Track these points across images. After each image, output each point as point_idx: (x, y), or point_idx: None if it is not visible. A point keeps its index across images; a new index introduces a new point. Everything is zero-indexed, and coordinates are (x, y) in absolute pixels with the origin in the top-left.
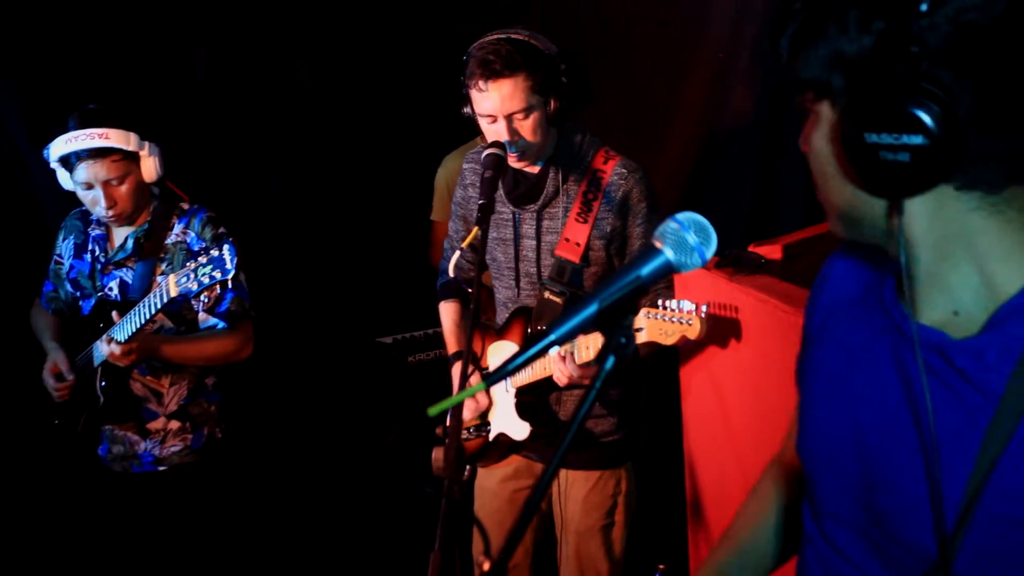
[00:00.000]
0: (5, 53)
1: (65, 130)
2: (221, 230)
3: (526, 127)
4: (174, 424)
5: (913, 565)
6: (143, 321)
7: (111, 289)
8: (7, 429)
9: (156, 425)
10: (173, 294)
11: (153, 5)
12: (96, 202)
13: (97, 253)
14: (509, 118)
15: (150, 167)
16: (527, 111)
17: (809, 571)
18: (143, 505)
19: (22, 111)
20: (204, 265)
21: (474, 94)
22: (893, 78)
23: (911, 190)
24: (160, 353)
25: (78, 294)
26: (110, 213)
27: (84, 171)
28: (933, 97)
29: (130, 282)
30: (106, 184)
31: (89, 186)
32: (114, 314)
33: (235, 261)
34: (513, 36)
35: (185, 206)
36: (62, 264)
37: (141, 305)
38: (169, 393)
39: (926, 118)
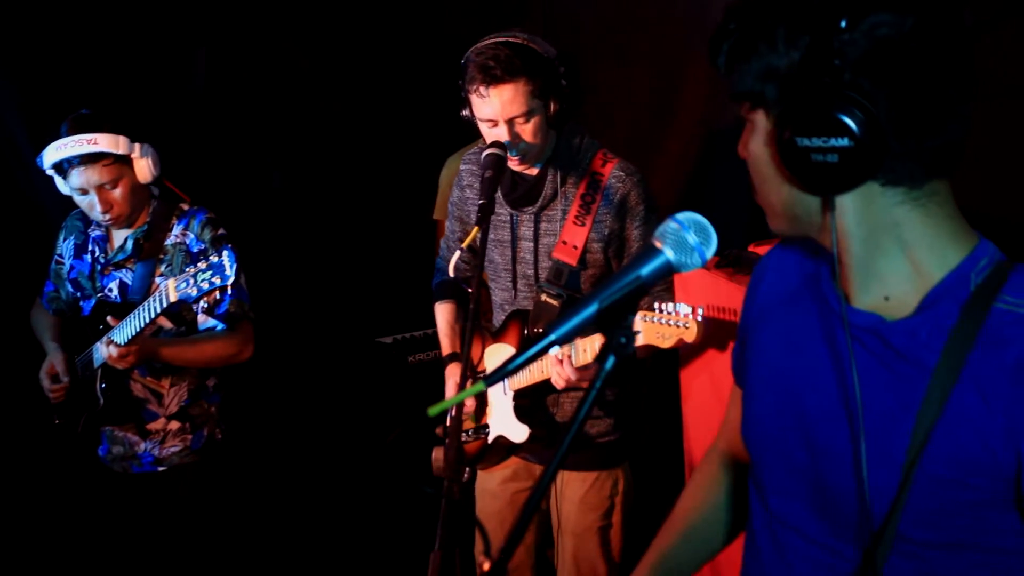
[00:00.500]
0: (5, 53)
1: (57, 136)
2: (220, 232)
3: (527, 131)
4: (174, 425)
5: (860, 529)
6: (142, 325)
7: (111, 290)
8: (7, 429)
9: (156, 426)
10: (172, 299)
11: (153, 5)
12: (92, 207)
13: (97, 254)
14: (510, 122)
15: (143, 169)
16: (528, 115)
17: (759, 548)
18: (142, 505)
19: (22, 111)
20: (204, 271)
21: (474, 99)
22: (819, 88)
23: (840, 187)
24: (160, 356)
25: (78, 295)
26: (106, 217)
27: (77, 177)
28: (855, 104)
29: (129, 283)
30: (100, 188)
31: (84, 191)
32: (109, 319)
33: (235, 267)
34: (512, 40)
35: (185, 207)
36: (63, 264)
37: (141, 309)
38: (169, 394)
39: (850, 123)
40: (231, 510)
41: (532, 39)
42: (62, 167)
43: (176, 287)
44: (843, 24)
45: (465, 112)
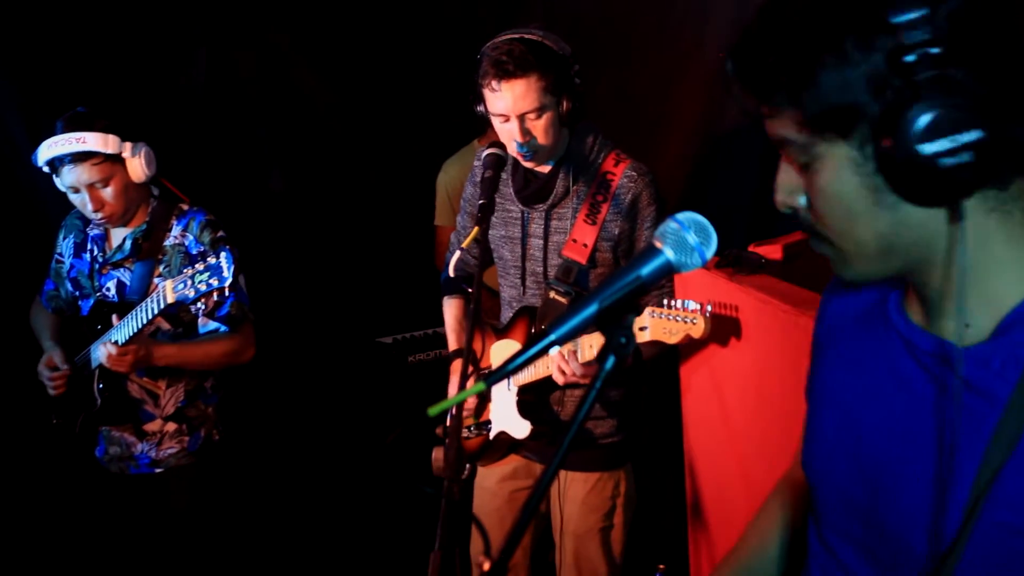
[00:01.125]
0: (5, 53)
1: (52, 133)
2: (220, 233)
3: (539, 127)
4: (171, 426)
5: (908, 571)
6: (140, 326)
7: (108, 289)
8: (5, 429)
9: (153, 427)
10: (170, 300)
11: (154, 5)
12: (84, 204)
13: (96, 253)
14: (522, 118)
15: (136, 168)
16: (540, 111)
17: None
18: (138, 507)
19: (22, 111)
20: (201, 272)
21: (487, 93)
22: (928, 84)
23: (974, 186)
24: (160, 358)
25: (77, 293)
26: (98, 216)
27: (68, 175)
28: (970, 93)
29: (128, 283)
30: (91, 187)
31: (76, 189)
32: (114, 317)
33: (232, 268)
34: (527, 36)
35: (184, 207)
36: (63, 263)
37: (138, 310)
38: (166, 395)
39: (974, 114)
40: (229, 511)
41: (547, 36)
42: (54, 165)
43: (174, 288)
44: (925, 11)
45: (479, 107)
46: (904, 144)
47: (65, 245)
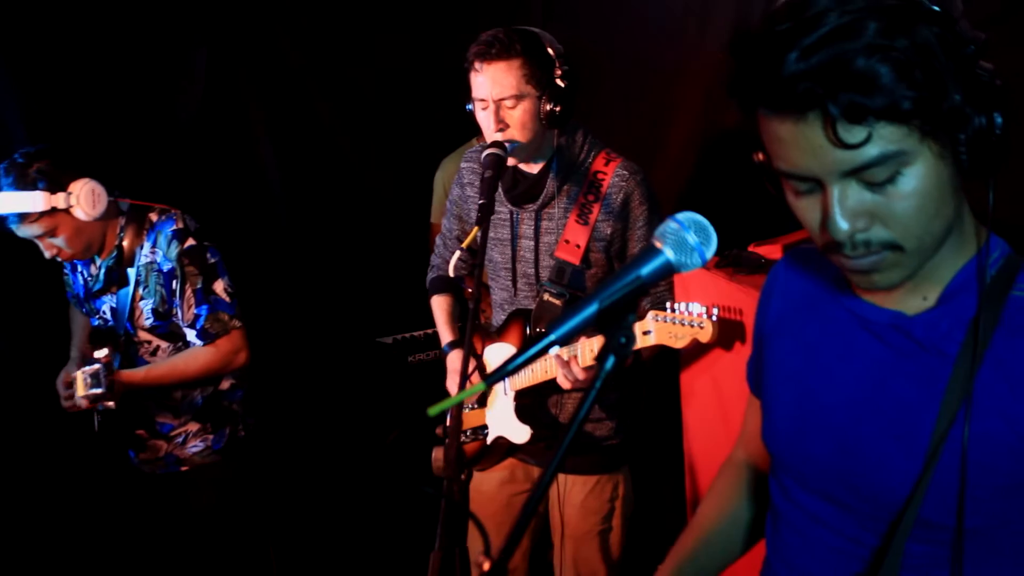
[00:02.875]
0: (5, 52)
1: None
2: (188, 244)
3: (514, 116)
4: (194, 425)
5: (884, 517)
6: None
7: (105, 312)
8: (49, 432)
9: (175, 431)
10: (80, 393)
11: (154, 4)
12: (44, 252)
13: (86, 276)
14: (499, 105)
15: (80, 212)
16: (518, 99)
17: (784, 543)
18: (166, 505)
19: (22, 111)
20: (92, 376)
21: (471, 79)
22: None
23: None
24: (137, 385)
25: (84, 310)
26: (59, 260)
27: (17, 231)
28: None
29: (117, 307)
30: (40, 239)
31: (33, 239)
32: (96, 353)
33: (106, 383)
34: (519, 27)
35: (154, 218)
36: (68, 275)
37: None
38: (182, 405)
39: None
40: (240, 510)
41: (543, 33)
42: (4, 221)
43: (83, 381)
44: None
45: (469, 106)
46: (979, 129)
47: None
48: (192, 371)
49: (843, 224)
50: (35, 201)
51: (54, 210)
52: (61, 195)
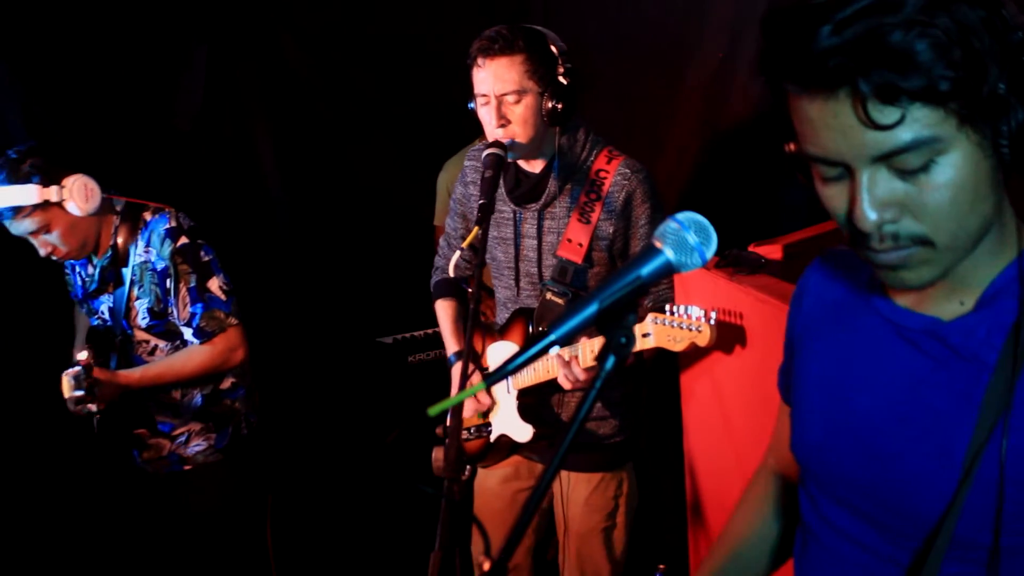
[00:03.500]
0: (5, 52)
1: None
2: (181, 242)
3: (516, 113)
4: (196, 425)
5: (917, 535)
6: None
7: (103, 312)
8: (52, 434)
9: (177, 431)
10: (66, 395)
11: (154, 4)
12: (38, 250)
13: (84, 276)
14: (501, 100)
15: (73, 207)
16: (519, 94)
17: (813, 558)
18: (169, 504)
19: (22, 110)
20: (74, 378)
21: (473, 75)
22: None
23: None
24: (134, 386)
25: (84, 310)
26: (54, 258)
27: (10, 228)
28: None
29: (114, 308)
30: (33, 235)
31: (26, 236)
32: (78, 356)
33: (84, 387)
34: (522, 24)
35: (148, 216)
36: (68, 275)
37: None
38: (183, 404)
39: None
40: (243, 510)
41: (546, 31)
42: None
43: (68, 383)
44: None
45: (471, 104)
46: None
47: None
48: (189, 370)
49: (871, 214)
50: (28, 194)
51: (47, 204)
52: (54, 188)
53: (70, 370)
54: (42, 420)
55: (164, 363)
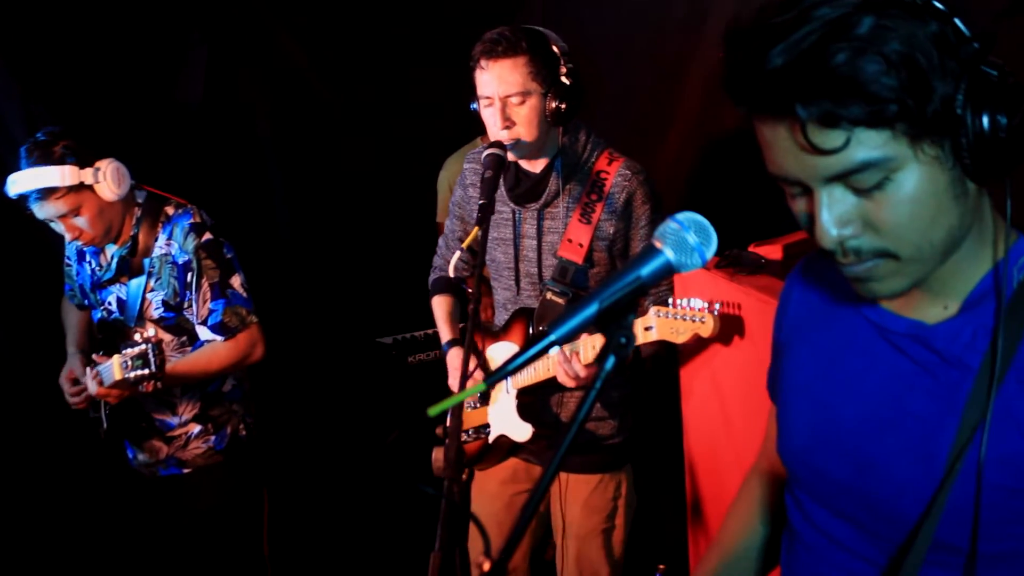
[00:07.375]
0: (5, 51)
1: (19, 161)
2: (205, 238)
3: (521, 114)
4: (194, 427)
5: (899, 539)
6: (111, 380)
7: (110, 304)
8: (46, 435)
9: (176, 432)
10: (117, 377)
11: (154, 3)
12: (63, 233)
13: (94, 266)
14: (505, 102)
15: (105, 190)
16: (524, 95)
17: (799, 562)
18: (168, 507)
19: (23, 109)
20: (135, 359)
21: (477, 76)
22: (982, 72)
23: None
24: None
25: (87, 302)
26: (79, 243)
27: (38, 210)
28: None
29: (125, 299)
30: (63, 218)
31: (51, 221)
32: (94, 356)
33: (155, 360)
34: (524, 25)
35: (170, 211)
36: (71, 266)
37: (106, 367)
38: (183, 403)
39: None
40: (242, 511)
41: (548, 31)
42: (24, 201)
43: (122, 364)
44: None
45: (473, 104)
46: (985, 129)
47: (70, 248)
48: (214, 366)
49: (831, 231)
50: (64, 175)
51: (80, 186)
52: (89, 170)
53: (129, 351)
54: (42, 420)
55: (189, 359)
